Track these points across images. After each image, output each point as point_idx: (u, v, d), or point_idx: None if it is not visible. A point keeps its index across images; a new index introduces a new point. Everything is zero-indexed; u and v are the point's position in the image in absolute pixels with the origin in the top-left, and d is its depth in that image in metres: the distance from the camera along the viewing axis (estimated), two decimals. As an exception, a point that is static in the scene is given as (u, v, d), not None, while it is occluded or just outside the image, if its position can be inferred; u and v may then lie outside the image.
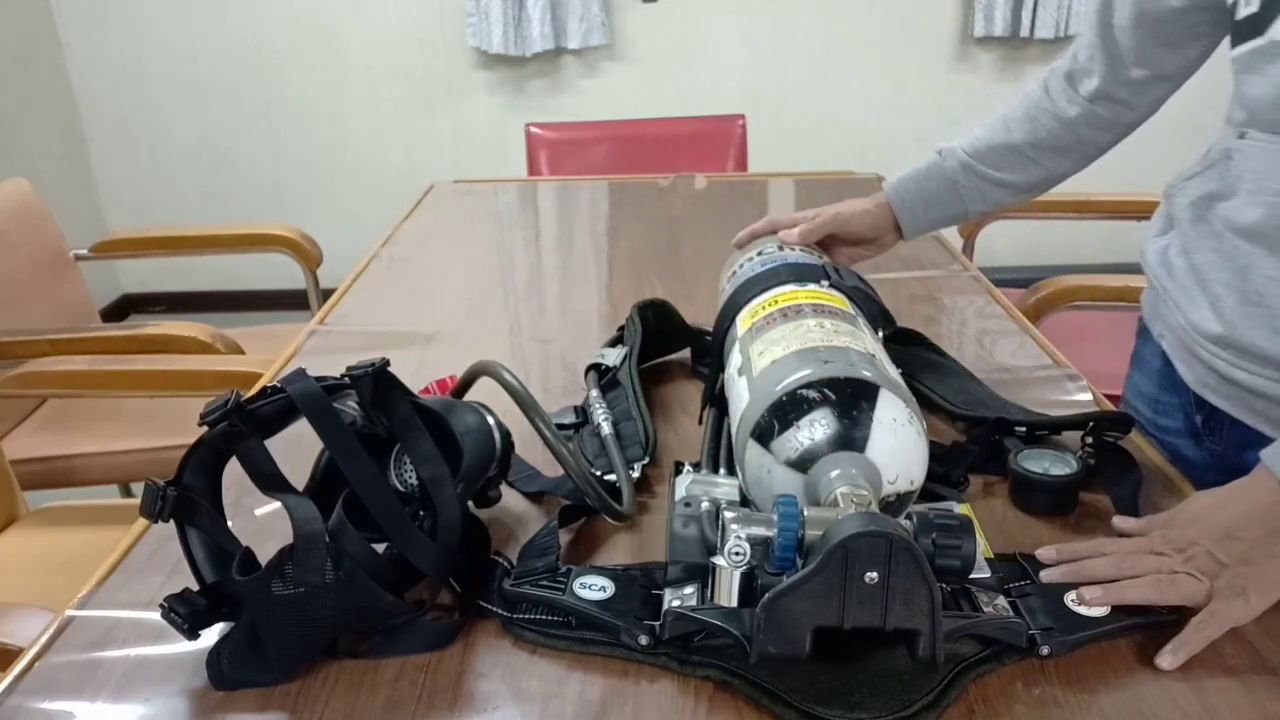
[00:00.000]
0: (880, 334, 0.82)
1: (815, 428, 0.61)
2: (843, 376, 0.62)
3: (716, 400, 0.82)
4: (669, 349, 1.02)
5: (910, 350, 0.97)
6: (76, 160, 3.13)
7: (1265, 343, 0.72)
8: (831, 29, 2.97)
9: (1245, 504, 0.64)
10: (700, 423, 0.84)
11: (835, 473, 0.58)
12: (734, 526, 0.57)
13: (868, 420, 0.61)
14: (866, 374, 0.63)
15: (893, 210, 0.97)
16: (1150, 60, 0.86)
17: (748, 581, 0.58)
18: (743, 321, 0.78)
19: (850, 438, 0.60)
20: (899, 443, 0.60)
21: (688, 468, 0.77)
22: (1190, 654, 0.58)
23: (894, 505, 0.61)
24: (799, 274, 0.81)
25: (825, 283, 0.80)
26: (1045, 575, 0.63)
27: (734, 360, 0.75)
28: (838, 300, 0.77)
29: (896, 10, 2.91)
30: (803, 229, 0.91)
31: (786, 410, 0.62)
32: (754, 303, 0.79)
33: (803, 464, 0.61)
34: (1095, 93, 0.89)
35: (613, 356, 0.94)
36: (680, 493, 0.72)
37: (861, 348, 0.67)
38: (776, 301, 0.77)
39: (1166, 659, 0.58)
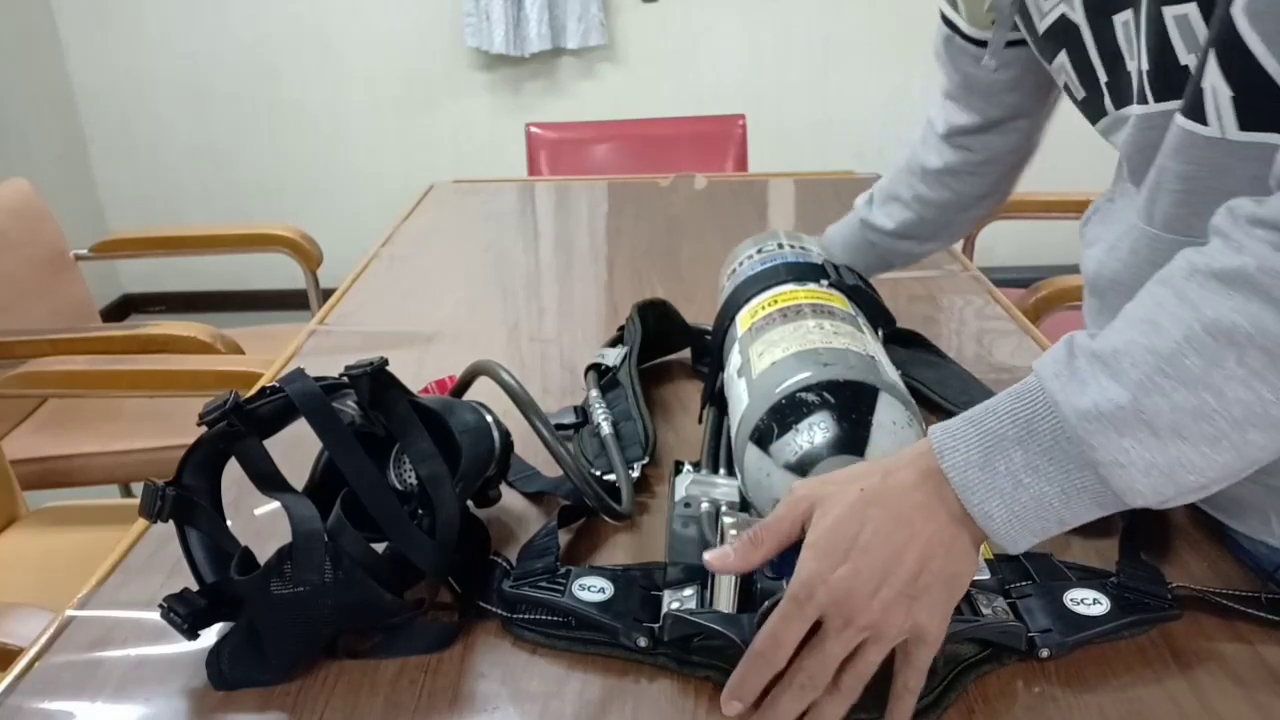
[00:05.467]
0: (880, 333, 0.82)
1: (814, 431, 0.61)
2: (842, 379, 0.62)
3: (716, 399, 0.82)
4: (669, 349, 1.02)
5: (910, 351, 0.97)
6: (76, 160, 3.13)
7: None
8: (831, 29, 2.97)
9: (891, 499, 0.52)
10: (700, 421, 0.84)
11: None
12: (733, 532, 0.57)
13: (867, 423, 0.61)
14: (866, 376, 0.63)
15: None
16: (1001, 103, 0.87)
17: (746, 586, 0.58)
18: (742, 321, 0.78)
19: (849, 441, 0.60)
20: (898, 445, 0.60)
21: (687, 467, 0.77)
22: None
23: None
24: (798, 273, 0.81)
25: (825, 281, 0.80)
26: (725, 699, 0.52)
27: (733, 361, 0.75)
28: (837, 300, 0.77)
29: (896, 10, 2.91)
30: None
31: (785, 413, 0.62)
32: (753, 302, 0.79)
33: (802, 467, 0.60)
34: (951, 130, 0.91)
35: (612, 356, 0.94)
36: (680, 493, 0.72)
37: (861, 349, 0.67)
38: (776, 301, 0.76)
39: None
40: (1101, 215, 0.73)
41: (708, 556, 0.56)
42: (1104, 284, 0.70)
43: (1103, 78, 0.67)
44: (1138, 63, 0.62)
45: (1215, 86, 0.55)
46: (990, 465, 0.50)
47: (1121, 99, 0.66)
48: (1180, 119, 0.58)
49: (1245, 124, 0.54)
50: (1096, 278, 0.71)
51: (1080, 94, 0.71)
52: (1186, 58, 0.56)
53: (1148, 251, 0.64)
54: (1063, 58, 0.70)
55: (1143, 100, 0.62)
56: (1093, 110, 0.70)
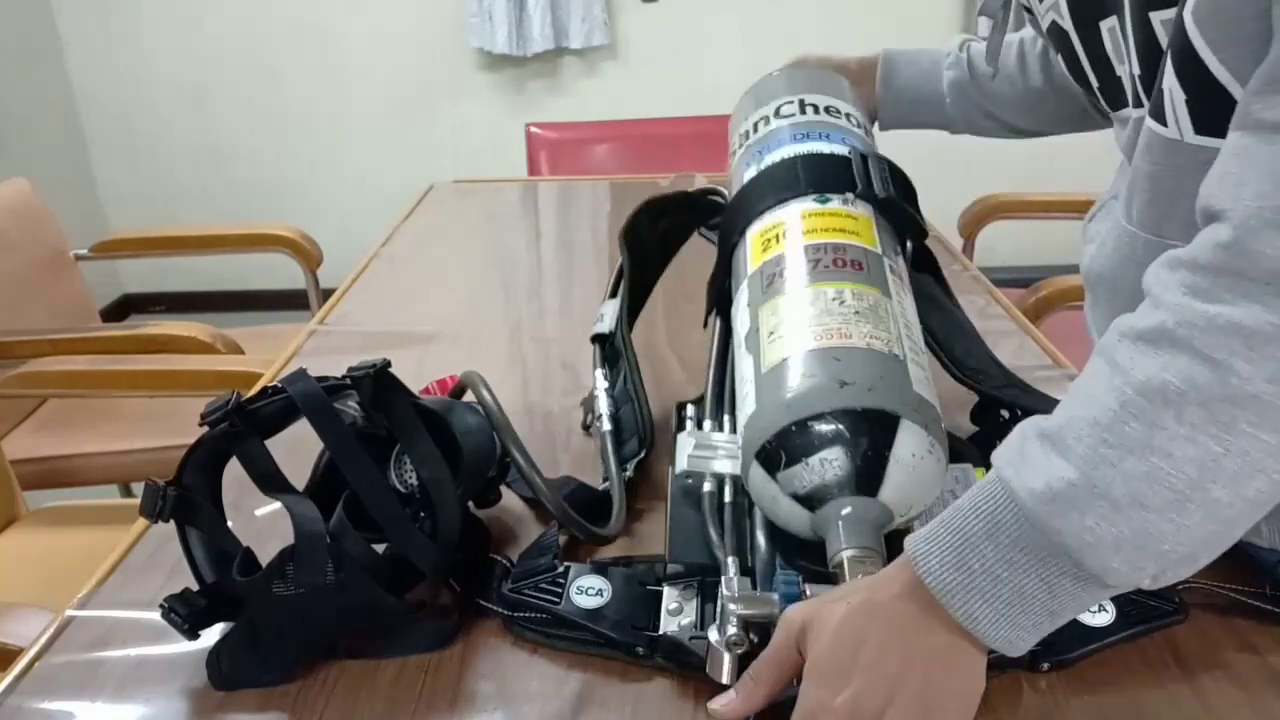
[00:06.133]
0: (909, 248, 0.74)
1: (825, 468, 0.56)
2: (859, 408, 0.57)
3: (722, 302, 0.75)
4: (680, 240, 0.93)
5: (921, 279, 0.82)
6: (76, 160, 3.13)
7: None
8: (831, 29, 2.96)
9: (879, 628, 0.50)
10: (705, 326, 0.79)
11: (843, 529, 0.55)
12: (731, 605, 0.55)
13: (884, 459, 0.56)
14: (886, 401, 0.57)
15: (877, 78, 0.92)
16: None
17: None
18: (753, 248, 0.69)
19: (863, 481, 0.56)
20: (916, 478, 0.57)
21: (689, 422, 0.72)
22: None
23: (904, 531, 0.58)
24: (820, 181, 0.70)
25: (850, 196, 0.70)
26: None
27: (741, 318, 0.68)
28: (863, 229, 0.67)
29: (897, 10, 2.91)
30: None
31: (795, 441, 0.57)
32: (766, 220, 0.70)
33: (810, 502, 0.57)
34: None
35: (609, 316, 0.86)
36: (681, 463, 0.68)
37: (884, 342, 0.61)
38: (792, 232, 0.68)
39: None
40: (1104, 212, 0.73)
41: (713, 707, 0.54)
42: (1094, 279, 0.70)
43: (1094, 82, 0.67)
44: (1128, 67, 0.61)
45: (1172, 89, 0.55)
46: (964, 565, 0.48)
47: (1115, 102, 0.66)
48: (1146, 120, 0.59)
49: (1200, 128, 0.54)
50: (1088, 273, 0.71)
51: (1081, 92, 0.71)
52: None
53: (1128, 249, 0.64)
54: (1059, 60, 0.70)
55: (1138, 104, 0.62)
56: (1096, 109, 0.71)
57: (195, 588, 0.60)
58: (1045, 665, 0.57)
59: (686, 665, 0.58)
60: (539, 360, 1.04)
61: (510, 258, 1.41)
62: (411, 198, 1.73)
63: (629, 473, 0.75)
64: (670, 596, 0.61)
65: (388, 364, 0.62)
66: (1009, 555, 0.47)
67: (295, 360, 1.06)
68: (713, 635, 0.55)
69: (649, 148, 2.19)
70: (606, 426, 0.78)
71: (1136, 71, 0.60)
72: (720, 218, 0.78)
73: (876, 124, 0.95)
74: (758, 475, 0.60)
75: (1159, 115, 0.57)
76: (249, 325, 1.89)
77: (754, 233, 0.70)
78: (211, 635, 0.60)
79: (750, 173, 0.77)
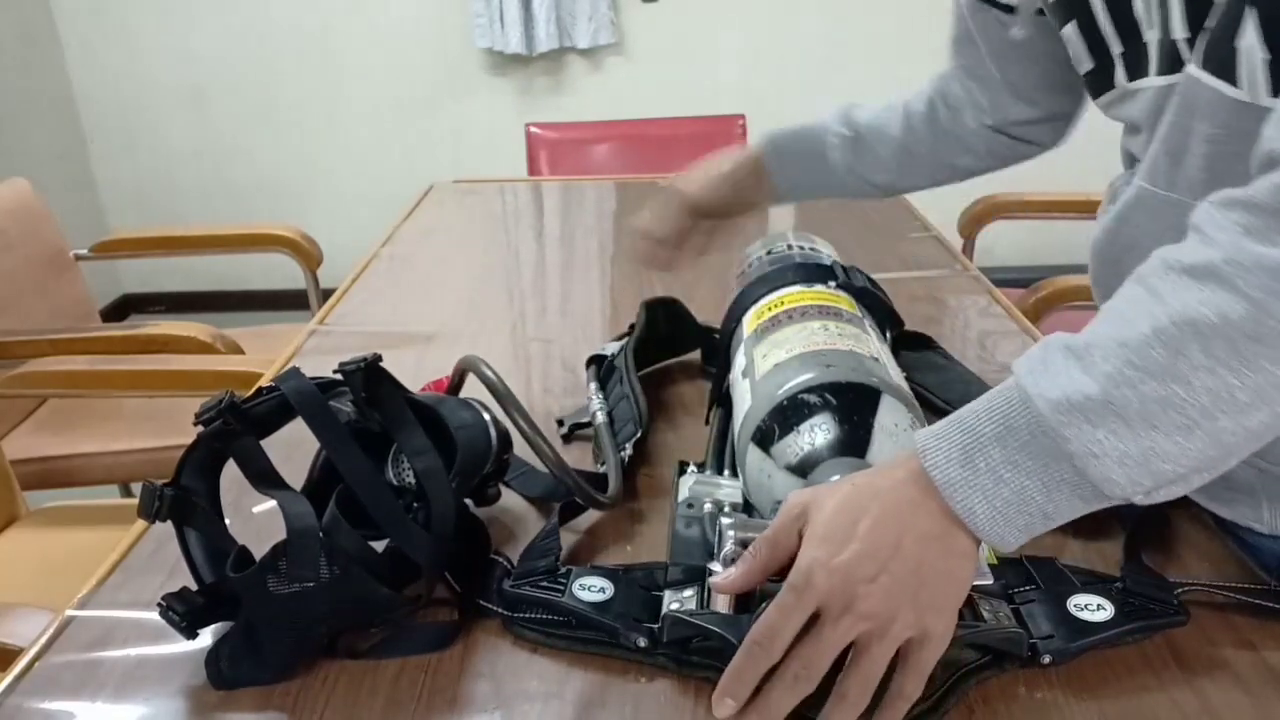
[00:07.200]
0: (888, 335, 0.81)
1: (815, 433, 0.61)
2: (844, 381, 0.62)
3: (723, 400, 0.82)
4: (680, 349, 1.01)
5: (917, 354, 0.96)
6: (76, 160, 3.13)
7: None
8: (831, 29, 2.97)
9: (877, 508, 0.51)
10: (707, 422, 0.84)
11: (834, 479, 0.58)
12: (729, 532, 0.57)
13: (868, 426, 0.60)
14: (868, 378, 0.62)
15: (765, 166, 0.94)
16: (1034, 98, 0.86)
17: None
18: (749, 322, 0.78)
19: (850, 443, 0.60)
20: (900, 448, 0.59)
21: (692, 468, 0.76)
22: None
23: None
24: (806, 275, 0.81)
25: (833, 283, 0.80)
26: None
27: (738, 362, 0.75)
28: (844, 301, 0.76)
29: (897, 10, 2.91)
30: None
31: (787, 414, 0.62)
32: (760, 303, 0.79)
33: (802, 469, 0.60)
34: (995, 124, 0.89)
35: (612, 348, 0.94)
36: (683, 494, 0.72)
37: (866, 351, 0.67)
38: (782, 303, 0.76)
39: None
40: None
41: (713, 581, 0.56)
42: (1119, 251, 0.68)
43: (1115, 49, 0.65)
44: (1157, 33, 0.60)
45: (1250, 48, 0.54)
46: (971, 463, 0.50)
47: (1136, 71, 0.64)
48: (1209, 77, 0.57)
49: (1278, 90, 0.53)
50: (1110, 244, 0.69)
51: (1087, 65, 0.69)
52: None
53: (1173, 218, 0.61)
54: (1071, 28, 0.68)
55: (1163, 72, 0.61)
56: (1098, 82, 0.68)
57: (194, 588, 0.60)
58: (1047, 658, 0.57)
59: (686, 664, 0.58)
60: (540, 360, 1.04)
61: (510, 257, 1.41)
62: (411, 198, 1.73)
63: (628, 451, 0.77)
64: (671, 599, 0.61)
65: (379, 357, 0.62)
66: (1015, 458, 0.49)
67: (295, 360, 1.06)
68: (714, 566, 0.57)
69: (649, 148, 2.19)
70: (600, 419, 0.82)
71: (1183, 35, 0.58)
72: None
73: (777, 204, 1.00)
74: (754, 456, 0.63)
75: (1226, 74, 0.55)
76: (249, 325, 1.89)
77: (749, 315, 0.79)
78: (211, 635, 0.60)
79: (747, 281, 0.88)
